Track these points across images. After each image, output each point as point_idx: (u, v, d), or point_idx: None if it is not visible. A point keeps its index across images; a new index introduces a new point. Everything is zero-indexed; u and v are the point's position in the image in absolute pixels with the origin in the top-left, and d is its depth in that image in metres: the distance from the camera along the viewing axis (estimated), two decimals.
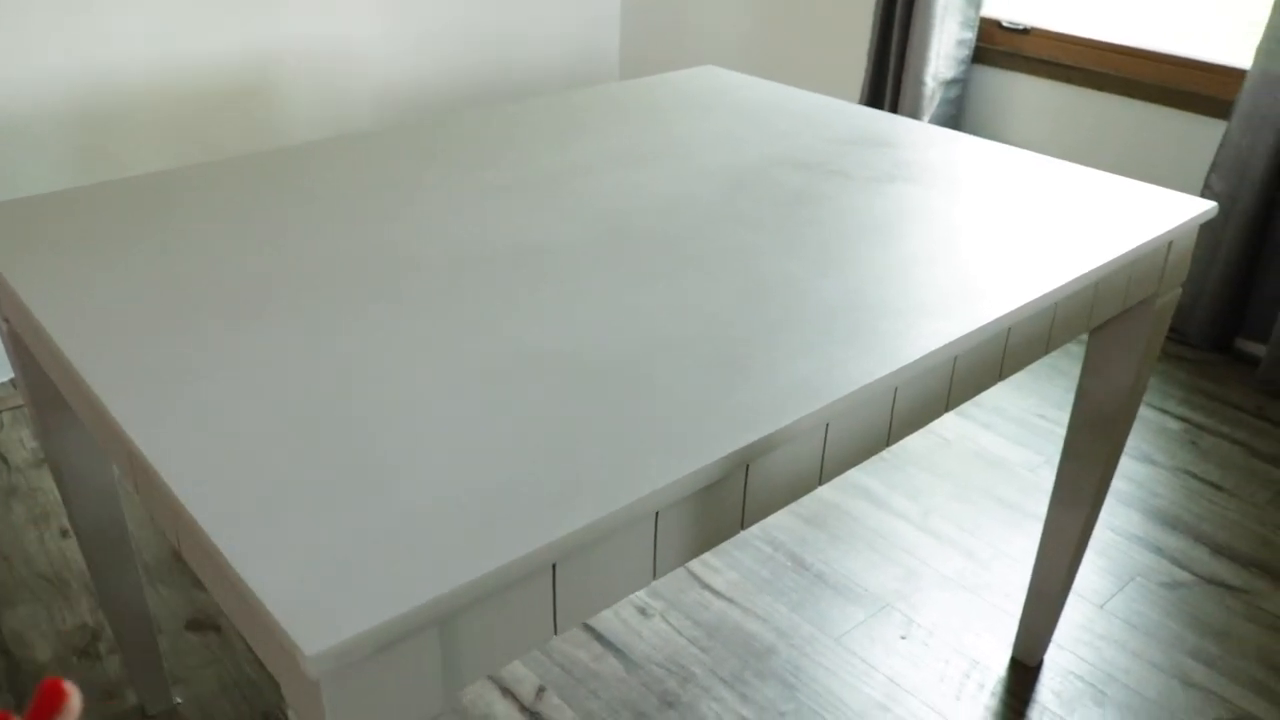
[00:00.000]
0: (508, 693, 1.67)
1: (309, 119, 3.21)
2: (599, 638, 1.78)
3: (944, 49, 2.84)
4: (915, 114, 2.88)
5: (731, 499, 0.87)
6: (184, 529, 0.81)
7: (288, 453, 0.80)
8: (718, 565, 1.95)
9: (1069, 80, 2.78)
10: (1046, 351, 1.20)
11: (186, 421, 0.84)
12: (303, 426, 0.83)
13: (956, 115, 2.94)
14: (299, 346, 0.95)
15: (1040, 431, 2.37)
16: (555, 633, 0.79)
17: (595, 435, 0.83)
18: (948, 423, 2.39)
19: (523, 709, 1.64)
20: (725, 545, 2.00)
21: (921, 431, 2.36)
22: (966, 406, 2.45)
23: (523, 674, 1.70)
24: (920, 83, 2.86)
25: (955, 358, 1.04)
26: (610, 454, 0.81)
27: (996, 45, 2.91)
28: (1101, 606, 1.85)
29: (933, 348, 0.98)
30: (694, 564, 1.95)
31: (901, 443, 2.31)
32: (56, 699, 0.29)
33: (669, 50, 3.75)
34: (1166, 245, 1.31)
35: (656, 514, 0.81)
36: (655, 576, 0.84)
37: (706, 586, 1.90)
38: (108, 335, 0.96)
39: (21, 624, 1.81)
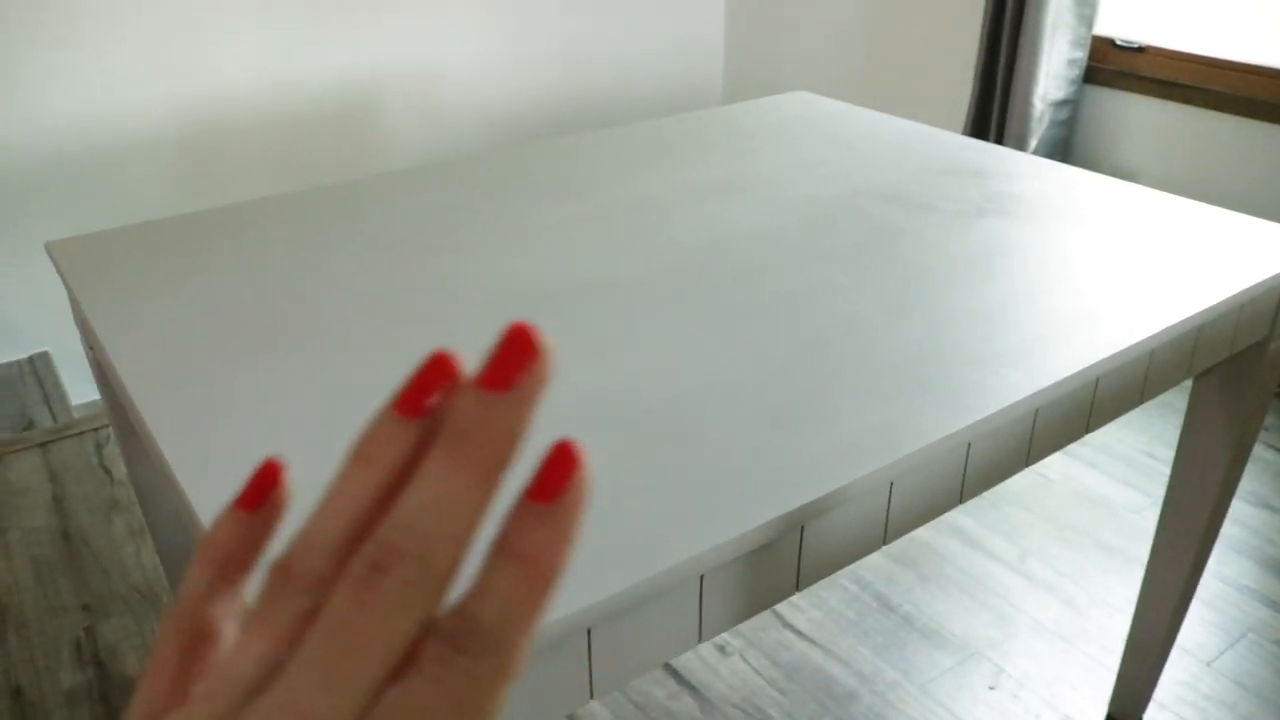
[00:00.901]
0: None
1: (410, 143, 3.27)
2: (675, 674, 1.75)
3: (1054, 69, 2.73)
4: (1023, 137, 2.78)
5: (785, 560, 0.83)
6: None
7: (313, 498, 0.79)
8: (801, 604, 1.90)
9: (1187, 101, 2.64)
10: (1142, 401, 1.12)
11: (226, 464, 0.84)
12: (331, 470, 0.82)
13: (1066, 138, 2.83)
14: (340, 383, 0.94)
15: (1149, 472, 2.25)
16: (591, 698, 0.76)
17: (640, 489, 0.80)
18: (1050, 460, 2.29)
19: None
20: None
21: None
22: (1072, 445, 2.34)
23: (596, 709, 1.68)
24: (1028, 104, 2.76)
25: (1036, 411, 0.98)
26: (655, 511, 0.78)
27: (1109, 64, 2.80)
28: (1209, 664, 1.74)
29: (1011, 400, 0.92)
30: None
31: None
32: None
33: (772, 74, 3.71)
34: None
35: (701, 577, 0.77)
36: (701, 639, 0.80)
37: (788, 626, 1.85)
38: (165, 369, 0.97)
39: (115, 635, 1.86)
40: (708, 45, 3.79)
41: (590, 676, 0.75)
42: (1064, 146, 2.82)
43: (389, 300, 1.11)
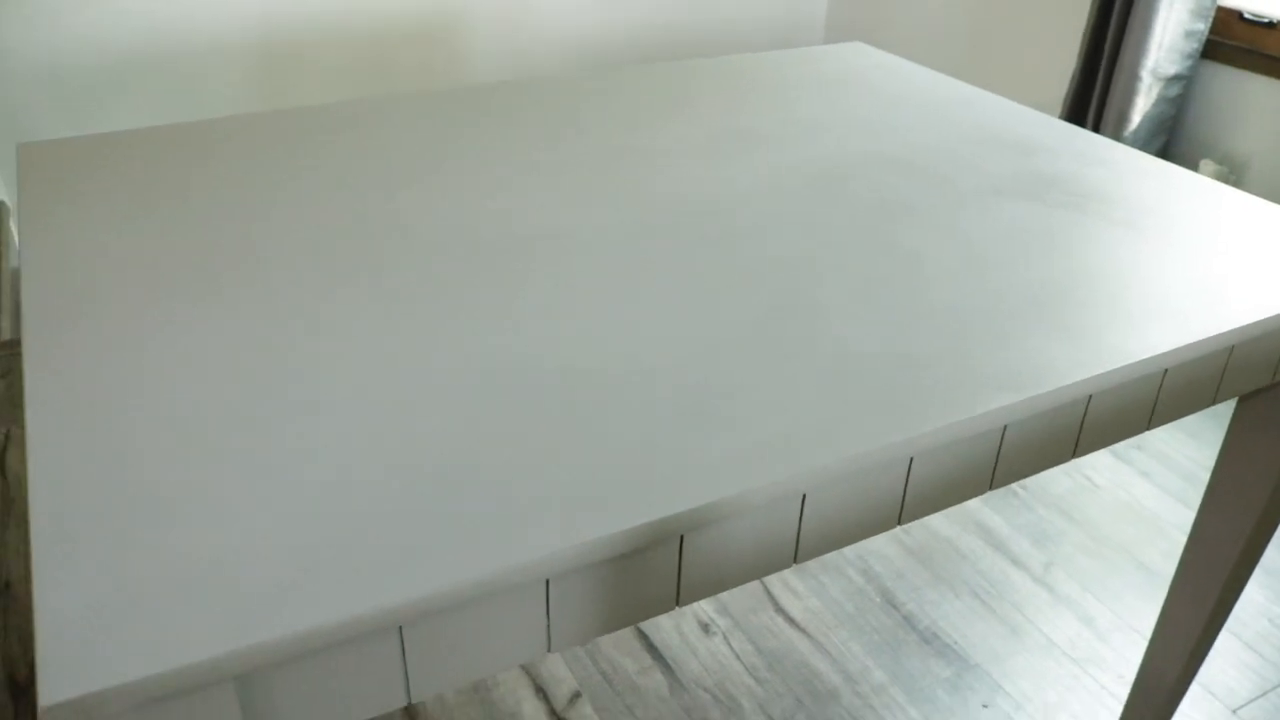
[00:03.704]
0: (540, 691, 1.58)
1: (488, 68, 3.18)
2: (651, 648, 1.66)
3: (1168, 40, 2.50)
4: (1124, 112, 2.56)
5: (662, 572, 0.73)
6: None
7: (162, 450, 0.72)
8: (799, 589, 1.79)
9: None
10: (1148, 426, 0.98)
11: (76, 407, 0.77)
12: (195, 420, 0.75)
13: (1175, 116, 2.59)
14: (239, 323, 0.87)
15: None
16: (409, 700, 0.67)
17: (499, 472, 0.71)
18: (1099, 463, 2.12)
19: (552, 712, 1.55)
20: (811, 567, 1.84)
21: (1065, 469, 2.10)
22: (1125, 448, 2.17)
23: (562, 674, 1.61)
24: (1135, 77, 2.53)
25: (1005, 427, 0.85)
26: (509, 503, 0.69)
27: (1233, 40, 2.54)
28: (1234, 711, 1.59)
29: (970, 415, 0.80)
30: (773, 583, 1.80)
31: (1038, 478, 2.07)
32: None
33: (875, 18, 3.50)
34: None
35: (547, 582, 0.68)
36: (552, 648, 0.71)
37: (780, 610, 1.75)
38: (72, 292, 0.91)
39: None
40: None
41: (406, 678, 0.66)
42: (1169, 126, 2.59)
43: (331, 235, 1.03)
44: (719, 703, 1.57)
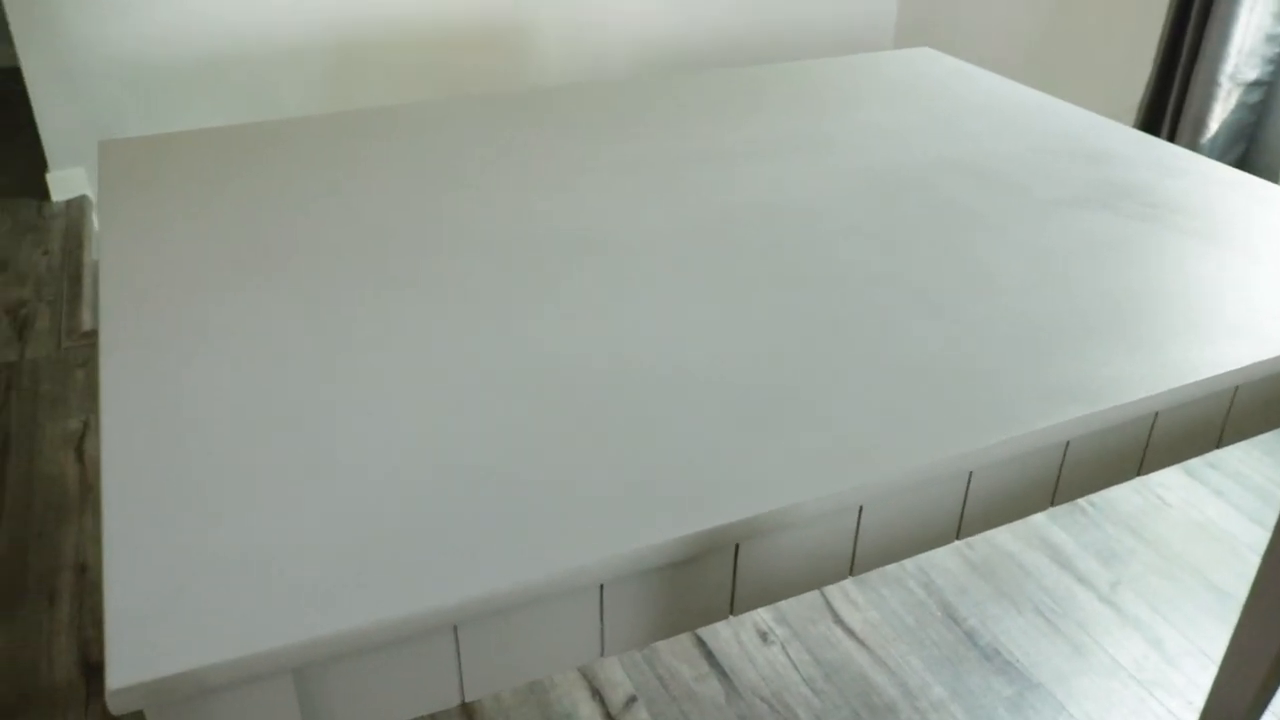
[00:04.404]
0: (597, 694, 1.58)
1: (555, 73, 3.20)
2: (708, 655, 1.66)
3: (1248, 44, 2.43)
4: (1201, 119, 2.49)
5: (716, 580, 0.73)
6: None
7: (211, 445, 0.74)
8: (858, 600, 1.78)
9: None
10: (1219, 444, 0.96)
11: (148, 400, 0.79)
12: (241, 414, 0.77)
13: (1254, 124, 2.52)
14: (300, 320, 0.89)
15: None
16: (463, 699, 0.68)
17: (557, 476, 0.71)
18: (1171, 481, 2.07)
19: (608, 715, 1.55)
20: (871, 578, 1.82)
21: (1135, 486, 2.05)
22: (1199, 466, 2.11)
23: (619, 678, 1.61)
24: (1213, 83, 2.47)
25: (1068, 443, 0.84)
26: (564, 506, 0.69)
27: None
28: None
29: (1032, 429, 0.79)
30: (832, 594, 1.79)
31: (1106, 494, 2.03)
32: None
33: (946, 22, 3.46)
34: None
35: (601, 587, 0.68)
36: (605, 653, 0.72)
37: (839, 621, 1.73)
38: (147, 288, 0.94)
39: None
40: None
41: (460, 677, 0.67)
42: (1248, 134, 2.52)
43: (388, 234, 1.05)
44: (775, 712, 1.56)
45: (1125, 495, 2.03)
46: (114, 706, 0.56)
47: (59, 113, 2.76)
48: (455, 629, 0.65)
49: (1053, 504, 0.87)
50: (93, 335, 2.49)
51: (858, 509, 0.75)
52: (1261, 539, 1.93)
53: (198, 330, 0.88)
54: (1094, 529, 1.94)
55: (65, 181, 2.86)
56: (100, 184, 1.15)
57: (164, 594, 0.61)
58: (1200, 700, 1.60)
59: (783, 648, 1.68)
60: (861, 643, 1.69)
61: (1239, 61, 2.44)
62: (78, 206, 2.88)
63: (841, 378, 0.83)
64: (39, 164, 2.83)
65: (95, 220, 2.91)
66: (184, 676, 0.57)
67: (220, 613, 0.60)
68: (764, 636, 1.70)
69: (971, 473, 0.80)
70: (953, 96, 1.49)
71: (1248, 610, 1.32)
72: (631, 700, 1.58)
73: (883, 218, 1.11)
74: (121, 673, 0.57)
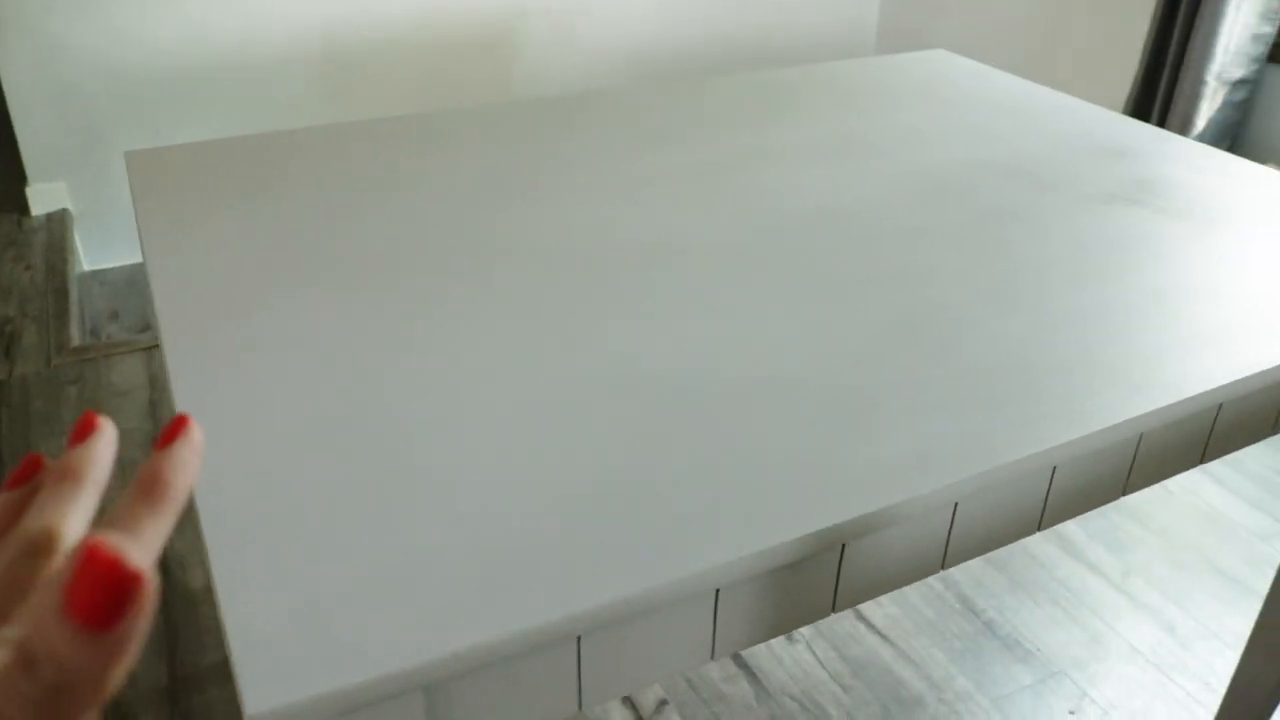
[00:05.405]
0: (628, 699, 1.59)
1: (551, 77, 3.20)
2: (736, 656, 1.67)
3: (1234, 44, 2.48)
4: (1188, 117, 2.55)
5: (822, 578, 0.74)
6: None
7: (309, 461, 0.73)
8: (879, 597, 1.79)
9: None
10: (1273, 432, 0.98)
11: (227, 414, 0.78)
12: (335, 429, 0.76)
13: (1239, 122, 2.58)
14: (364, 335, 0.88)
15: None
16: (579, 708, 0.68)
17: (660, 484, 0.72)
18: None
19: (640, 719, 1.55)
20: None
21: None
22: None
23: None
24: (1200, 81, 2.52)
25: (1140, 436, 0.86)
26: (676, 513, 0.69)
27: None
28: None
29: (1108, 423, 0.80)
30: None
31: None
32: (88, 428, 0.31)
33: (927, 24, 3.50)
34: None
35: (717, 592, 0.69)
36: (715, 655, 0.72)
37: (862, 619, 1.75)
38: (200, 296, 0.93)
39: (187, 547, 1.88)
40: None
41: (579, 686, 0.67)
42: (1234, 132, 2.58)
43: (449, 245, 1.04)
44: (806, 710, 1.57)
45: None
46: None
47: (40, 126, 2.71)
48: (579, 639, 0.65)
49: (1123, 494, 0.89)
50: (82, 351, 2.45)
51: (953, 505, 0.76)
52: (1265, 525, 1.97)
53: (273, 344, 0.87)
54: (1100, 518, 1.98)
55: (45, 195, 2.81)
56: (134, 194, 1.14)
57: (285, 615, 0.61)
58: (1216, 682, 1.63)
59: (808, 646, 1.69)
60: (885, 638, 1.71)
61: (1225, 60, 2.49)
62: (59, 220, 2.83)
63: (917, 376, 0.84)
64: (18, 177, 2.78)
65: (77, 235, 2.86)
66: (320, 699, 0.57)
67: (347, 632, 0.60)
68: (789, 636, 1.71)
69: (1055, 467, 0.81)
70: (974, 97, 1.51)
71: (1273, 593, 1.35)
72: (663, 704, 1.58)
73: (934, 218, 1.13)
74: (258, 698, 0.56)
